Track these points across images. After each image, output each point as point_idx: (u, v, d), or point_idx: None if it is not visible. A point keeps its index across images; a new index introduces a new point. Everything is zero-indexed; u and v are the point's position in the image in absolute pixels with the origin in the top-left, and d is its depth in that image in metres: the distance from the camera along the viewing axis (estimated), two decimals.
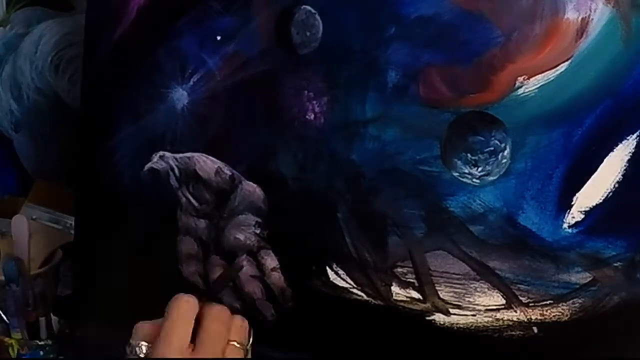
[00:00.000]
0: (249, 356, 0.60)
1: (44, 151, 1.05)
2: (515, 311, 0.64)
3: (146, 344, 0.57)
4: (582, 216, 0.61)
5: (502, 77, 0.62)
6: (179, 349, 0.56)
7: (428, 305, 0.67)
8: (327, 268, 0.70)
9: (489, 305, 0.65)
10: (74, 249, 0.86)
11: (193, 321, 0.58)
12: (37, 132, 1.04)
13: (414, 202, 0.66)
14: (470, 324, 0.66)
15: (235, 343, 0.59)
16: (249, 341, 0.61)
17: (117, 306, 0.81)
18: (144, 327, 0.59)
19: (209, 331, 0.58)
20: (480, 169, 0.63)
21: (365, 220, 0.68)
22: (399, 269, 0.67)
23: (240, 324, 0.60)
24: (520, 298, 0.64)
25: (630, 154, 0.59)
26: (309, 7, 0.67)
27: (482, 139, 0.63)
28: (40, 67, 1.00)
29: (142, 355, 0.57)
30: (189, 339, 0.57)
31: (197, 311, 0.59)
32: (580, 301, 0.62)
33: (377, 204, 0.67)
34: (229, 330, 0.59)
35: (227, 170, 0.73)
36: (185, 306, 0.59)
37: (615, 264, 0.61)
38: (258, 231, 0.72)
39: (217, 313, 0.60)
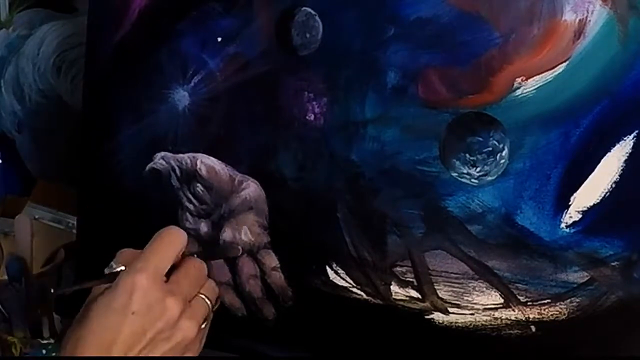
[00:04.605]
0: (209, 321, 0.58)
1: (46, 152, 1.06)
2: (514, 310, 0.64)
3: (123, 267, 0.56)
4: (580, 216, 0.62)
5: (500, 78, 0.62)
6: (154, 275, 0.54)
7: (427, 304, 0.67)
8: (327, 267, 0.70)
9: (487, 304, 0.65)
10: (76, 249, 0.86)
11: (176, 256, 0.56)
12: (40, 132, 1.05)
13: (413, 202, 0.66)
14: (469, 323, 0.66)
15: (205, 297, 0.57)
16: (215, 306, 0.59)
17: None
18: (126, 252, 0.57)
19: (187, 274, 0.56)
20: (478, 169, 0.63)
21: (365, 220, 0.68)
22: (398, 268, 0.68)
23: (213, 286, 0.59)
24: (519, 297, 0.64)
25: (628, 154, 0.60)
26: (309, 9, 0.68)
27: (481, 139, 0.63)
28: (43, 69, 1.01)
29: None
30: (166, 270, 0.55)
31: (183, 249, 0.57)
32: (577, 300, 0.62)
33: (377, 204, 0.68)
34: (203, 285, 0.58)
35: (228, 171, 0.73)
36: (173, 238, 0.57)
37: (612, 263, 0.61)
38: (258, 231, 0.73)
39: (199, 265, 0.58)
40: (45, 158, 1.06)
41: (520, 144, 0.62)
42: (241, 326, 0.75)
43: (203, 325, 0.57)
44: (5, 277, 0.88)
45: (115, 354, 0.52)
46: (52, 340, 0.88)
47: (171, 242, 0.57)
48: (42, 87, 1.03)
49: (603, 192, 0.61)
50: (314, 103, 0.69)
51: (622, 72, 0.59)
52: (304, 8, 0.68)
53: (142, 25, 0.76)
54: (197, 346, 0.57)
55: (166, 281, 0.55)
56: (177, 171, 0.75)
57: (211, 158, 0.74)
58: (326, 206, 0.69)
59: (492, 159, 0.63)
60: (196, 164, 0.74)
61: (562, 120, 0.61)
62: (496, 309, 0.65)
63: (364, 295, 0.69)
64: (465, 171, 0.64)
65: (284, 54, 0.69)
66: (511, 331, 0.65)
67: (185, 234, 0.58)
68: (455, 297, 0.66)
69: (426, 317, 0.67)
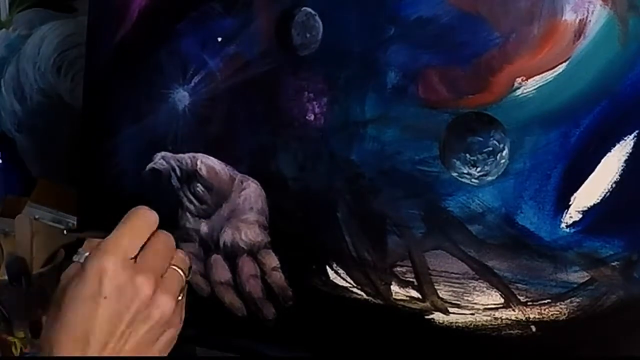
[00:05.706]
0: (185, 293, 0.57)
1: (46, 151, 1.06)
2: (514, 310, 0.64)
3: (87, 253, 0.55)
4: (580, 216, 0.62)
5: (500, 78, 0.62)
6: (122, 257, 0.53)
7: (427, 304, 0.67)
8: (327, 267, 0.70)
9: (487, 304, 0.65)
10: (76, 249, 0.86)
11: (146, 237, 0.55)
12: (40, 132, 1.05)
13: (413, 202, 0.66)
14: (469, 323, 0.66)
15: (177, 268, 0.56)
16: (188, 277, 0.58)
17: None
18: (93, 240, 0.57)
19: (154, 249, 0.55)
20: (478, 169, 0.63)
21: (365, 220, 0.68)
22: (399, 268, 0.68)
23: (183, 256, 0.58)
24: (519, 297, 0.64)
25: (628, 154, 0.60)
26: (309, 9, 0.68)
27: (481, 139, 0.63)
28: (43, 69, 1.01)
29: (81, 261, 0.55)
30: (137, 251, 0.54)
31: (153, 230, 0.56)
32: (578, 300, 0.62)
33: (377, 204, 0.68)
34: (173, 257, 0.57)
35: (228, 171, 0.73)
36: (143, 220, 0.56)
37: (612, 263, 0.61)
38: (258, 231, 0.73)
39: (165, 238, 0.57)
40: (45, 158, 1.06)
41: (521, 144, 0.62)
42: (241, 326, 0.75)
43: (180, 297, 0.56)
44: (5, 277, 0.88)
45: (93, 343, 0.51)
46: None
47: (140, 224, 0.56)
48: (42, 87, 1.03)
49: (603, 192, 0.61)
50: (314, 103, 0.69)
51: (622, 72, 0.59)
52: (304, 8, 0.68)
53: (142, 25, 0.76)
54: (178, 320, 0.56)
55: (135, 262, 0.55)
56: (177, 171, 0.75)
57: (211, 158, 0.74)
58: (326, 206, 0.69)
59: (492, 159, 0.63)
60: (196, 164, 0.74)
61: (562, 120, 0.61)
62: (496, 309, 0.65)
63: (364, 295, 0.69)
64: (465, 171, 0.64)
65: (284, 54, 0.69)
66: (511, 331, 0.65)
67: (155, 214, 0.57)
68: (455, 297, 0.66)
69: (426, 317, 0.67)
